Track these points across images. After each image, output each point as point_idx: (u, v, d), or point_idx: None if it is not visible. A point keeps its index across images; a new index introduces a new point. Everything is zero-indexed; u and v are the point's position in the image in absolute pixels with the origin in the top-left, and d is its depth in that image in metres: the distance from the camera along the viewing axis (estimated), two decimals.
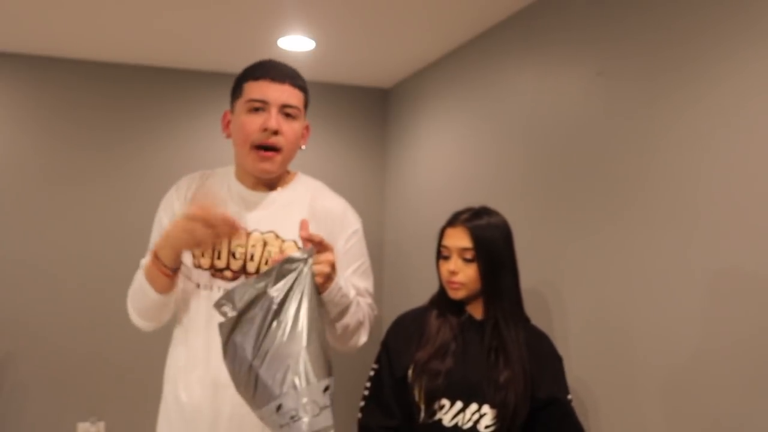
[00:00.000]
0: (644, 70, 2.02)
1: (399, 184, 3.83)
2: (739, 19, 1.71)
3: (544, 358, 1.69)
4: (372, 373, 1.73)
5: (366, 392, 1.72)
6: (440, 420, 1.59)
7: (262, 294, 1.24)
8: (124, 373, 3.45)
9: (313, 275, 1.27)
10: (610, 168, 2.14)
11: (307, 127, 1.54)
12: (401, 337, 1.71)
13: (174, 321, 1.56)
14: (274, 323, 1.22)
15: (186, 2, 2.67)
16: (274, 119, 1.42)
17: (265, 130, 1.42)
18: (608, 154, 2.15)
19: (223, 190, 1.54)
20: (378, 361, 1.72)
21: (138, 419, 3.30)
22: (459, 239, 1.65)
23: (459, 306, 1.70)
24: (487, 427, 1.58)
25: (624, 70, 2.10)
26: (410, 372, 1.63)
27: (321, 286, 1.30)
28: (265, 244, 1.46)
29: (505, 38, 2.78)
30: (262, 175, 1.49)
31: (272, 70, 1.46)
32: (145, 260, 1.46)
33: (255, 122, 1.42)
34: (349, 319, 1.44)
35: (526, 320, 1.74)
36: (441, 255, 1.71)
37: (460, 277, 1.64)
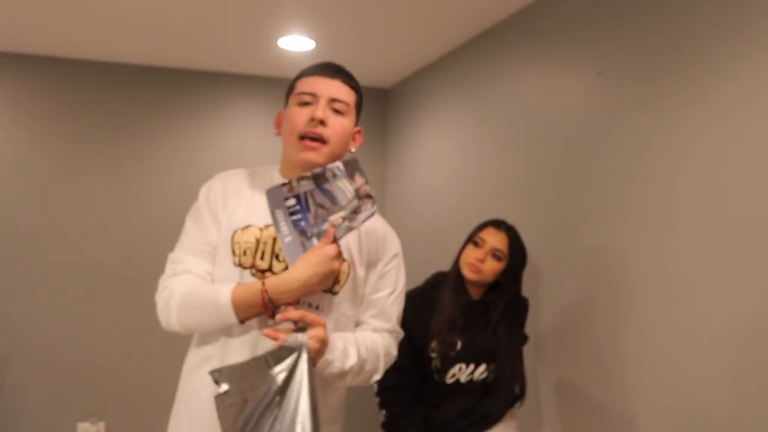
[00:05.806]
0: (644, 71, 2.02)
1: (399, 183, 3.83)
2: (739, 21, 1.71)
3: (521, 318, 2.23)
4: None
5: None
6: (458, 379, 2.08)
7: (265, 376, 1.24)
8: (124, 373, 3.44)
9: (311, 358, 1.26)
10: (609, 168, 2.14)
11: (359, 131, 1.56)
12: (417, 314, 2.02)
13: None
14: (276, 409, 1.23)
15: (186, 2, 2.68)
16: (321, 110, 1.45)
17: (312, 120, 1.44)
18: (607, 154, 2.15)
19: (264, 188, 1.46)
20: None
21: (138, 419, 3.30)
22: (498, 240, 2.05)
23: (464, 286, 2.09)
24: (491, 378, 2.12)
25: (624, 71, 2.10)
26: (431, 344, 2.04)
27: (313, 359, 1.28)
28: None
29: (505, 38, 2.78)
30: (306, 166, 1.45)
31: (325, 67, 1.55)
32: (229, 288, 1.36)
33: (303, 114, 1.46)
34: (351, 379, 1.44)
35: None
36: (473, 242, 2.06)
37: (484, 266, 2.03)
